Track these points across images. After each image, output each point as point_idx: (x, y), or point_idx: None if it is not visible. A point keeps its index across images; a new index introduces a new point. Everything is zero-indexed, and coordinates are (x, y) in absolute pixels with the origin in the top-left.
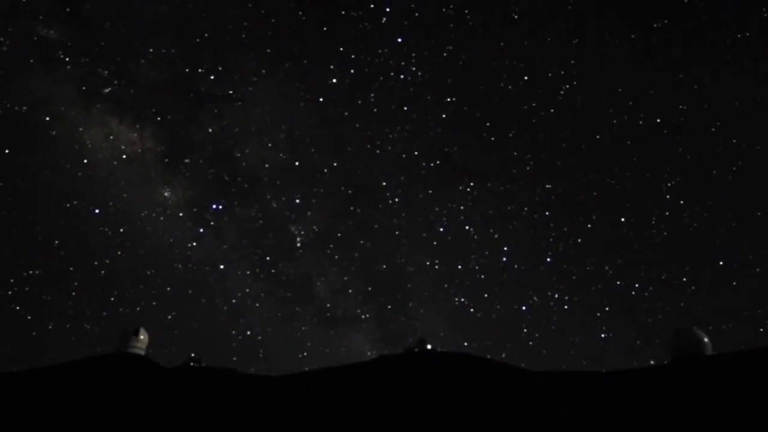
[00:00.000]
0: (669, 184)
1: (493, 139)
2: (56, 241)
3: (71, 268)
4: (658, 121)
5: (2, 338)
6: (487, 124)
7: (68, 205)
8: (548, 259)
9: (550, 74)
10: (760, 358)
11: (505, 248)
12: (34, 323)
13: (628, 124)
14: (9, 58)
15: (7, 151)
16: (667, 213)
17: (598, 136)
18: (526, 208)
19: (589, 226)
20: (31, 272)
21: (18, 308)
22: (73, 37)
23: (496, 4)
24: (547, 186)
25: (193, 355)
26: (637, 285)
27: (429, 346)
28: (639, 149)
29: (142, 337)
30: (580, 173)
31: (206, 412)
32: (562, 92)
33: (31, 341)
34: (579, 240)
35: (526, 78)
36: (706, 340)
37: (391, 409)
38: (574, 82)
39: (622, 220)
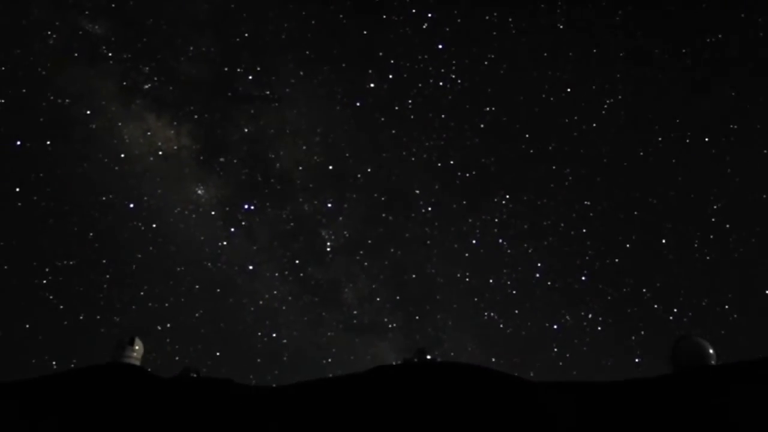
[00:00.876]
0: (715, 207)
1: (531, 151)
2: (90, 233)
3: (104, 261)
4: (707, 140)
5: (36, 327)
6: (527, 135)
7: (104, 198)
8: (583, 278)
9: (594, 87)
10: (766, 368)
11: (539, 264)
12: (66, 313)
13: (675, 142)
14: (55, 51)
15: (48, 142)
16: (711, 236)
17: (641, 153)
18: (562, 224)
19: (628, 246)
20: (65, 262)
21: (51, 297)
22: (116, 33)
23: (541, 14)
24: (585, 202)
25: (188, 362)
26: (675, 310)
27: (428, 357)
28: (684, 168)
29: (137, 347)
30: (621, 191)
31: (201, 423)
32: (605, 106)
33: (62, 330)
34: (616, 260)
35: (569, 90)
36: (710, 350)
37: (388, 421)
38: (619, 97)
39: (663, 241)
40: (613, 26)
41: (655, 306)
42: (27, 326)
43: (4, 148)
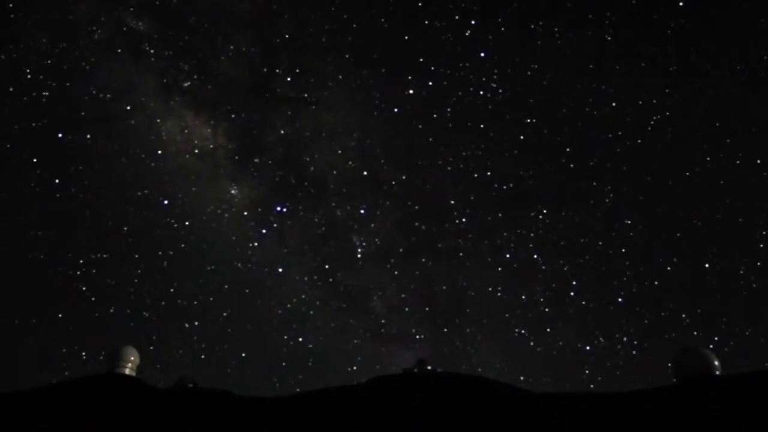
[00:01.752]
0: (764, 233)
1: (572, 166)
2: (125, 228)
3: (136, 256)
4: (758, 162)
5: (68, 317)
6: (567, 149)
7: (139, 193)
8: (619, 299)
9: (640, 102)
10: None
11: (574, 282)
12: (97, 305)
13: (725, 162)
14: (99, 46)
15: (88, 136)
16: (758, 263)
17: (687, 173)
18: (600, 243)
19: (668, 268)
20: (98, 255)
21: (84, 288)
22: (159, 30)
23: (589, 24)
24: (626, 221)
25: (185, 375)
26: (716, 338)
27: (429, 368)
28: (734, 191)
29: (132, 357)
30: (665, 211)
31: None
32: (652, 122)
33: (92, 322)
34: (656, 282)
35: (614, 104)
36: (714, 361)
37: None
38: (667, 113)
39: (707, 266)
40: (663, 40)
41: (695, 333)
42: (59, 315)
43: (47, 139)
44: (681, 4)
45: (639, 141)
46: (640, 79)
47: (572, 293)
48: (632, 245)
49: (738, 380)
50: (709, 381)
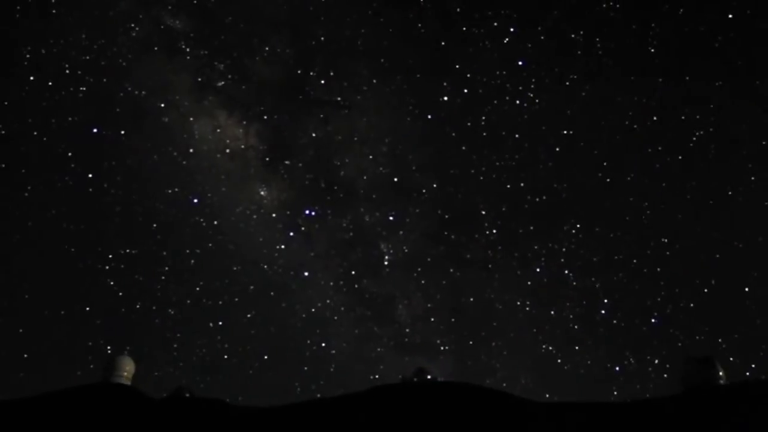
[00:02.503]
0: None
1: (608, 180)
2: (154, 225)
3: (164, 253)
4: None
5: (95, 310)
6: (604, 163)
7: (169, 191)
8: (653, 320)
9: (683, 117)
10: None
11: (606, 300)
12: (124, 301)
13: None
14: (136, 44)
15: (122, 132)
16: None
17: (730, 192)
18: (635, 261)
19: (705, 290)
20: (127, 251)
21: (112, 283)
22: (195, 29)
23: (632, 35)
24: (663, 239)
25: (183, 383)
26: (753, 365)
27: (429, 376)
28: None
29: (128, 366)
30: (704, 231)
31: None
32: (694, 138)
33: (119, 317)
34: (692, 305)
35: (655, 118)
36: (720, 370)
37: None
38: (710, 129)
39: (746, 290)
40: (709, 52)
41: (731, 359)
42: (87, 309)
43: (82, 133)
44: (730, 16)
45: (680, 157)
46: (684, 93)
47: (603, 311)
48: (668, 265)
49: (743, 389)
50: (715, 390)
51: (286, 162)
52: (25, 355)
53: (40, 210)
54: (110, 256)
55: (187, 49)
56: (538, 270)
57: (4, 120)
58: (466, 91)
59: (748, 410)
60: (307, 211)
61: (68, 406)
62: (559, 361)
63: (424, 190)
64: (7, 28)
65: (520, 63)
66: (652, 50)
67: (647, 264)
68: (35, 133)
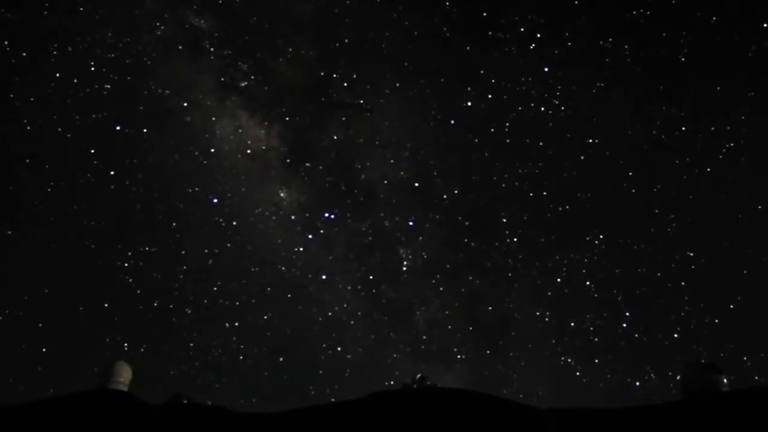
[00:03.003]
0: None
1: (633, 191)
2: (173, 223)
3: (183, 252)
4: None
5: (112, 307)
6: (630, 173)
7: (189, 190)
8: (675, 335)
9: (713, 128)
10: None
11: (627, 314)
12: (142, 298)
13: None
14: (161, 42)
15: (144, 130)
16: None
17: (759, 207)
18: (659, 274)
19: (731, 306)
20: (146, 249)
21: (130, 281)
22: (220, 29)
23: (663, 43)
24: (689, 253)
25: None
26: None
27: (428, 383)
28: None
29: (125, 372)
30: (733, 245)
31: None
32: (724, 150)
33: (136, 315)
34: (716, 320)
35: (683, 128)
36: (722, 377)
37: None
38: (741, 141)
39: None
40: (742, 61)
41: (756, 377)
42: (105, 305)
43: (105, 131)
44: (765, 25)
45: (708, 169)
46: (716, 103)
47: (625, 324)
48: (694, 279)
49: (747, 396)
50: (717, 397)
51: (307, 164)
52: (44, 349)
53: (61, 205)
54: (129, 254)
55: (211, 49)
56: (558, 280)
57: (29, 116)
58: (490, 96)
59: (752, 417)
60: (327, 214)
61: (63, 413)
62: (577, 373)
63: (444, 196)
64: (35, 25)
65: (546, 69)
66: (683, 59)
67: (671, 277)
68: (59, 129)
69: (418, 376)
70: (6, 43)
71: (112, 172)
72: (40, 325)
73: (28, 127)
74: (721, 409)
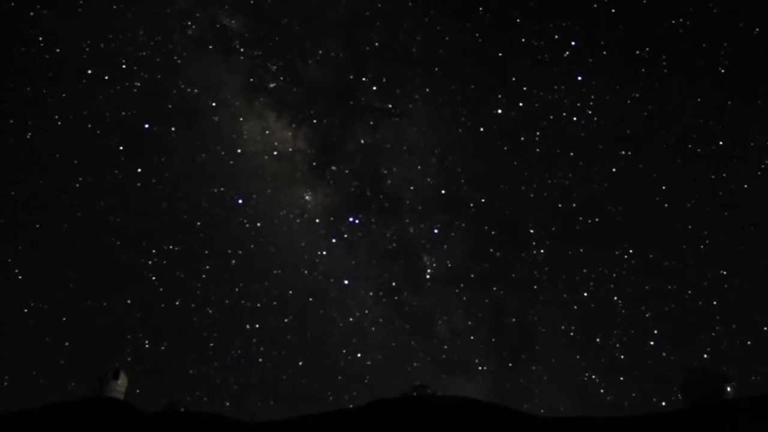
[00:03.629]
0: None
1: (666, 206)
2: (198, 223)
3: (206, 252)
4: None
5: (135, 304)
6: (663, 187)
7: (215, 190)
8: (705, 356)
9: (752, 143)
10: None
11: (655, 331)
12: (165, 296)
13: None
14: (191, 41)
15: (173, 129)
16: None
17: None
18: (689, 292)
19: (765, 329)
20: (171, 247)
21: (153, 278)
22: (250, 29)
23: (702, 54)
24: (721, 271)
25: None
26: None
27: (429, 391)
28: None
29: (120, 381)
30: (767, 266)
31: None
32: (762, 167)
33: (158, 312)
34: (749, 342)
35: (720, 143)
36: (726, 384)
37: None
38: None
39: None
40: None
41: None
42: (128, 302)
43: (134, 128)
44: None
45: (745, 186)
46: (756, 117)
47: (652, 342)
48: (725, 298)
49: (749, 404)
50: (720, 405)
51: (333, 167)
52: (66, 343)
53: (89, 201)
54: (153, 251)
55: (241, 49)
56: (585, 294)
57: (61, 111)
58: (521, 104)
59: (756, 425)
60: (351, 219)
61: (59, 420)
62: (601, 390)
63: (471, 204)
64: (69, 22)
65: (579, 78)
66: (722, 70)
67: (702, 296)
68: (89, 126)
69: (417, 383)
70: (40, 39)
71: (139, 170)
72: (64, 319)
73: (59, 123)
74: (725, 416)
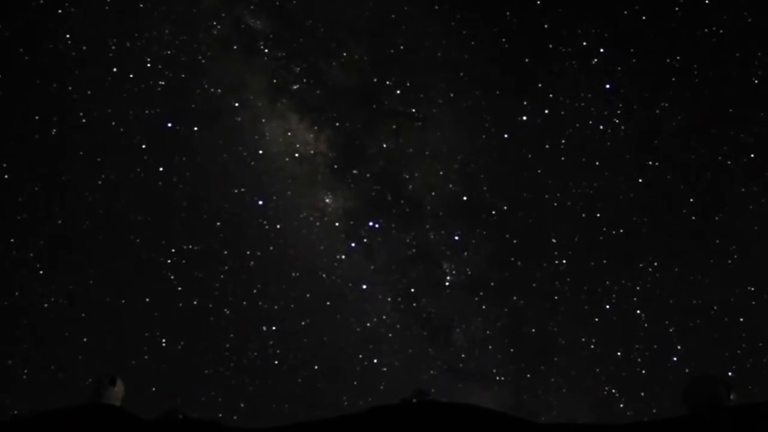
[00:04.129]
0: None
1: (693, 218)
2: (218, 223)
3: (225, 252)
4: None
5: (153, 303)
6: (691, 200)
7: (236, 191)
8: (730, 374)
9: None
10: None
11: (679, 347)
12: (183, 296)
13: None
14: (216, 41)
15: (195, 128)
16: None
17: None
18: (715, 307)
19: None
20: (189, 246)
21: (172, 277)
22: (275, 30)
23: (735, 63)
24: (749, 288)
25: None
26: None
27: (430, 397)
28: None
29: (117, 388)
30: None
31: None
32: None
33: (176, 312)
34: None
35: (752, 155)
36: (728, 391)
37: None
38: None
39: None
40: None
41: None
42: (147, 300)
43: (157, 127)
44: None
45: None
46: None
47: (675, 358)
48: (752, 315)
49: (753, 411)
50: (723, 412)
51: (354, 171)
52: (84, 339)
53: (111, 198)
54: (173, 251)
55: (266, 50)
56: (607, 307)
57: (85, 108)
58: (547, 111)
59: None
60: (371, 223)
61: (57, 428)
62: (621, 405)
63: (493, 212)
64: (95, 20)
65: (607, 86)
66: (756, 81)
67: (729, 312)
68: (113, 123)
69: (418, 389)
70: (68, 36)
71: (161, 168)
72: (83, 315)
73: (84, 120)
74: (728, 423)
